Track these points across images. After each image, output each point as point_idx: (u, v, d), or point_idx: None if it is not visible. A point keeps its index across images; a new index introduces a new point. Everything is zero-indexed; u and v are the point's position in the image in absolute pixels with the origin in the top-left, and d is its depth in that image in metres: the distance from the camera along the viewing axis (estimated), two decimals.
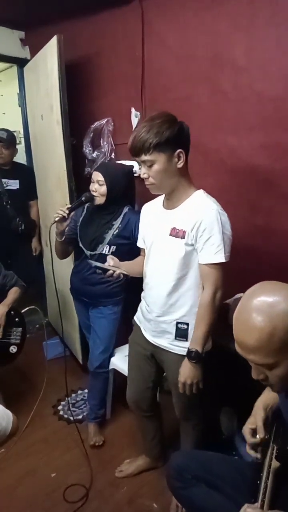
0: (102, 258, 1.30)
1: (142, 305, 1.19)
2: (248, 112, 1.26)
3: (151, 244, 1.11)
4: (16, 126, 2.41)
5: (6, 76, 2.54)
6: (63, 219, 1.31)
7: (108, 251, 1.37)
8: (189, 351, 1.01)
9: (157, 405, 1.31)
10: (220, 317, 1.05)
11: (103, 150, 1.82)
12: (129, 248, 1.33)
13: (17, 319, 1.60)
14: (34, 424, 1.59)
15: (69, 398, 1.75)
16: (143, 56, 1.57)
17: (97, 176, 1.35)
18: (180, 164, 0.98)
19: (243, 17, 1.21)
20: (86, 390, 1.79)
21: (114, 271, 1.08)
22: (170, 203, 1.07)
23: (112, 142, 1.81)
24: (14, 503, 1.28)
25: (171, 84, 1.50)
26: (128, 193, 1.48)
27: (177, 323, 1.07)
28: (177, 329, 1.07)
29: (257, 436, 0.81)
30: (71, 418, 1.64)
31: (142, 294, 1.18)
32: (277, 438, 0.82)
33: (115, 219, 1.40)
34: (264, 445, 0.82)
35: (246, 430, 0.84)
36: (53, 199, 1.94)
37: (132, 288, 1.30)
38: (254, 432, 0.83)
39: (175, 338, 1.08)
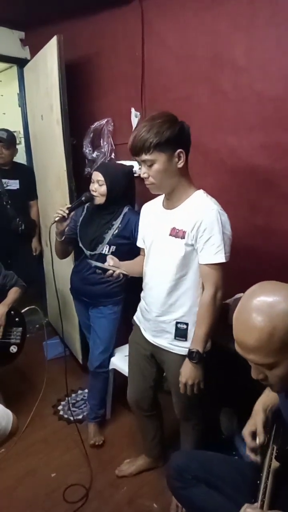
0: (102, 258, 1.30)
1: (142, 305, 1.19)
2: (248, 112, 1.26)
3: (150, 244, 1.11)
4: (16, 126, 2.41)
5: (6, 76, 2.54)
6: (63, 219, 1.31)
7: (108, 251, 1.37)
8: (190, 352, 1.01)
9: (158, 405, 1.31)
10: (220, 317, 1.05)
11: (103, 150, 1.82)
12: (129, 248, 1.33)
13: (17, 319, 1.60)
14: (34, 424, 1.59)
15: (69, 398, 1.75)
16: (143, 56, 1.57)
17: (97, 176, 1.35)
18: (180, 164, 0.98)
19: (243, 17, 1.21)
20: (86, 390, 1.79)
21: (114, 271, 1.08)
22: (170, 203, 1.07)
23: (112, 142, 1.81)
24: (14, 503, 1.28)
25: (171, 84, 1.50)
26: (128, 193, 1.48)
27: (177, 323, 1.07)
28: (177, 329, 1.07)
29: (257, 440, 0.81)
30: (71, 418, 1.64)
31: (142, 294, 1.18)
32: (277, 438, 0.82)
33: (115, 219, 1.40)
34: (264, 446, 0.82)
35: (246, 432, 0.84)
36: (53, 199, 1.94)
37: (132, 288, 1.30)
38: (254, 434, 0.83)
39: (175, 338, 1.08)
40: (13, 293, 1.59)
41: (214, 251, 0.98)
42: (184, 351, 1.07)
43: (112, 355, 1.53)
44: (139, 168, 1.36)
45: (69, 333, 1.97)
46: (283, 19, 1.12)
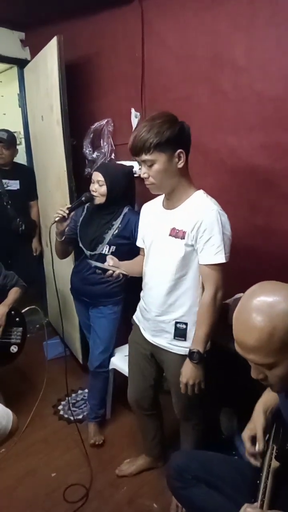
0: (102, 258, 1.30)
1: (141, 304, 1.19)
2: (248, 112, 1.26)
3: (150, 244, 1.11)
4: (16, 127, 2.41)
5: (6, 77, 2.55)
6: (63, 219, 1.31)
7: (108, 251, 1.37)
8: (191, 352, 1.01)
9: (158, 404, 1.31)
10: (220, 317, 1.05)
11: (103, 150, 1.82)
12: (129, 248, 1.33)
13: (17, 319, 1.61)
14: (34, 424, 1.59)
15: (69, 398, 1.76)
16: (143, 56, 1.57)
17: (97, 176, 1.35)
18: (180, 164, 0.98)
19: (243, 17, 1.21)
20: (86, 390, 1.79)
21: (113, 271, 1.08)
22: (170, 203, 1.07)
23: (112, 143, 1.81)
24: (14, 503, 1.28)
25: (171, 84, 1.50)
26: (128, 193, 1.48)
27: (176, 322, 1.07)
28: (176, 328, 1.07)
29: (256, 447, 0.81)
30: (71, 418, 1.64)
31: (141, 294, 1.18)
32: (276, 438, 0.82)
33: (115, 219, 1.40)
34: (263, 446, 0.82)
35: (245, 437, 0.84)
36: (53, 199, 1.94)
37: (132, 288, 1.30)
38: (253, 439, 0.83)
39: (174, 338, 1.08)
40: (13, 293, 1.59)
41: (214, 252, 0.98)
42: (183, 351, 1.07)
43: (112, 355, 1.53)
44: (139, 168, 1.36)
45: (69, 333, 1.98)
46: (283, 19, 1.12)
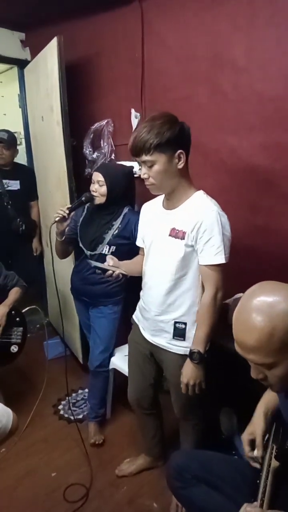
0: (102, 258, 1.30)
1: (141, 304, 1.19)
2: (248, 112, 1.26)
3: (150, 244, 1.11)
4: (16, 127, 2.41)
5: (6, 77, 2.55)
6: (63, 219, 1.31)
7: (108, 251, 1.37)
8: (191, 352, 1.02)
9: (158, 404, 1.32)
10: (220, 317, 1.05)
11: (103, 151, 1.82)
12: (129, 248, 1.33)
13: (18, 319, 1.61)
14: (34, 423, 1.60)
15: (69, 398, 1.76)
16: (143, 56, 1.57)
17: (97, 176, 1.35)
18: (180, 165, 0.98)
19: (243, 17, 1.21)
20: (86, 390, 1.79)
21: (113, 271, 1.09)
22: (170, 204, 1.07)
23: (112, 143, 1.81)
24: (14, 503, 1.28)
25: (171, 85, 1.50)
26: (128, 194, 1.48)
27: (175, 322, 1.07)
28: (175, 328, 1.07)
29: (255, 452, 0.81)
30: (72, 417, 1.64)
31: (141, 293, 1.19)
32: (276, 437, 0.82)
33: (115, 219, 1.40)
34: (263, 445, 0.82)
35: (245, 440, 0.84)
36: (54, 200, 1.94)
37: (132, 288, 1.30)
38: (252, 442, 0.83)
39: (173, 338, 1.08)
40: (14, 294, 1.59)
41: (214, 252, 0.98)
42: (182, 351, 1.08)
43: (112, 354, 1.53)
44: (139, 169, 1.37)
45: (69, 333, 1.98)
46: (283, 19, 1.12)
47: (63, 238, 1.41)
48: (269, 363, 0.63)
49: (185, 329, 1.07)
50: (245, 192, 1.33)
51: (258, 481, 0.76)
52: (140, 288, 1.19)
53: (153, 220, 1.11)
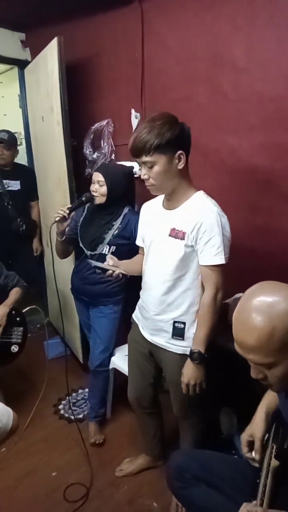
0: (102, 258, 1.30)
1: (140, 303, 1.20)
2: (248, 112, 1.26)
3: (150, 244, 1.11)
4: (17, 127, 2.41)
5: (7, 78, 2.55)
6: (63, 219, 1.31)
7: (108, 251, 1.37)
8: (192, 352, 1.02)
9: (158, 403, 1.32)
10: (220, 317, 1.05)
11: (103, 151, 1.82)
12: (129, 248, 1.34)
13: (18, 319, 1.61)
14: (34, 423, 1.60)
15: (69, 397, 1.76)
16: (143, 56, 1.57)
17: (98, 176, 1.35)
18: (180, 166, 0.98)
19: (243, 17, 1.21)
20: (86, 390, 1.79)
21: (113, 271, 1.09)
22: (170, 204, 1.07)
23: (112, 143, 1.81)
24: (14, 503, 1.28)
25: (171, 85, 1.50)
26: (128, 194, 1.48)
27: (174, 322, 1.07)
28: (174, 328, 1.07)
29: (253, 454, 0.81)
30: (72, 417, 1.64)
31: (140, 293, 1.19)
32: (276, 437, 0.82)
33: (115, 219, 1.40)
34: (263, 445, 0.82)
35: (243, 440, 0.84)
36: (54, 200, 1.95)
37: (132, 288, 1.30)
38: (251, 444, 0.83)
39: (172, 337, 1.08)
40: (14, 294, 1.59)
41: (214, 253, 0.98)
42: (181, 350, 1.08)
43: (112, 354, 1.54)
44: (139, 169, 1.37)
45: (69, 332, 1.98)
46: (283, 19, 1.12)
47: (64, 238, 1.41)
48: (269, 363, 0.63)
49: (184, 328, 1.07)
50: (245, 192, 1.33)
51: (258, 481, 0.76)
52: (140, 288, 1.19)
53: (153, 220, 1.12)
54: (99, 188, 1.36)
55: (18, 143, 2.21)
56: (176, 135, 0.94)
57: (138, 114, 1.66)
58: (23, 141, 2.45)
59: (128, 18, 1.60)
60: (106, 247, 1.39)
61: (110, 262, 1.12)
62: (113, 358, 1.53)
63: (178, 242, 1.02)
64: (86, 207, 1.46)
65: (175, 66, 1.47)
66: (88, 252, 1.43)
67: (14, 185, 2.13)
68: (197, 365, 1.02)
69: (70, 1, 1.70)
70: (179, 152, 0.97)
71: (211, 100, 1.36)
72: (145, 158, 0.96)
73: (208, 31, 1.32)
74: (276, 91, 1.18)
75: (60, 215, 1.30)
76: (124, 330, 1.42)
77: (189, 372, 1.03)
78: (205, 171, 1.39)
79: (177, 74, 1.47)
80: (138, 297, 1.22)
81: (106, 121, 1.80)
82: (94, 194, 1.37)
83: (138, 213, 1.25)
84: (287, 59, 1.14)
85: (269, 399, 0.88)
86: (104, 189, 1.35)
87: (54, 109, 1.70)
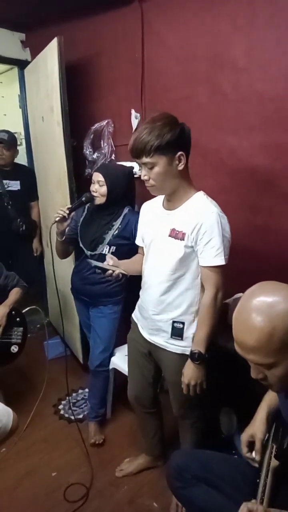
0: (102, 258, 1.30)
1: (139, 302, 1.20)
2: (248, 112, 1.26)
3: (150, 243, 1.11)
4: (17, 128, 2.41)
5: (6, 78, 2.55)
6: (63, 219, 1.31)
7: (108, 251, 1.38)
8: (192, 353, 1.02)
9: (158, 402, 1.32)
10: (220, 317, 1.05)
11: (103, 151, 1.82)
12: (129, 249, 1.34)
13: (18, 319, 1.61)
14: (34, 423, 1.60)
15: (69, 398, 1.76)
16: (143, 56, 1.58)
17: (98, 176, 1.36)
18: (180, 167, 0.98)
19: (243, 17, 1.21)
20: (86, 390, 1.79)
21: (113, 271, 1.09)
22: (170, 204, 1.07)
23: (112, 144, 1.81)
24: (14, 503, 1.28)
25: (171, 85, 1.50)
26: (128, 194, 1.48)
27: (173, 322, 1.08)
28: (173, 328, 1.07)
29: (254, 454, 0.81)
30: (72, 417, 1.64)
31: (140, 292, 1.19)
32: (276, 437, 0.82)
33: (115, 219, 1.40)
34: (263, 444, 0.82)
35: (243, 440, 0.84)
36: (54, 200, 1.95)
37: (132, 288, 1.31)
38: (251, 444, 0.83)
39: (171, 337, 1.09)
40: (14, 294, 1.59)
41: (214, 254, 0.99)
42: (180, 350, 1.08)
43: (112, 354, 1.54)
44: (139, 169, 1.37)
45: (69, 332, 1.98)
46: (283, 19, 1.13)
47: (64, 238, 1.41)
48: (269, 363, 0.63)
49: (183, 328, 1.07)
50: (245, 192, 1.33)
51: (258, 481, 0.76)
52: (140, 288, 1.19)
53: (153, 220, 1.12)
54: (99, 188, 1.36)
55: (18, 143, 2.21)
56: (176, 136, 0.94)
57: (138, 114, 1.66)
58: (23, 141, 2.45)
59: (128, 18, 1.60)
60: (106, 247, 1.39)
61: (110, 261, 1.12)
62: (113, 358, 1.53)
63: (178, 242, 1.02)
64: (86, 207, 1.46)
65: (175, 66, 1.47)
66: (88, 252, 1.43)
67: (14, 185, 2.13)
68: (198, 365, 1.02)
69: (70, 1, 1.70)
70: (179, 153, 0.97)
71: (211, 100, 1.36)
72: (145, 159, 0.96)
73: (208, 31, 1.32)
74: (276, 91, 1.18)
75: (60, 215, 1.30)
76: (124, 330, 1.42)
77: (190, 373, 1.03)
78: (205, 171, 1.39)
79: (177, 74, 1.47)
80: (138, 297, 1.22)
81: (106, 121, 1.80)
82: (94, 194, 1.37)
83: (138, 213, 1.25)
84: (287, 59, 1.14)
85: (269, 400, 0.88)
86: (104, 189, 1.35)
87: (54, 109, 1.70)
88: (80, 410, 1.72)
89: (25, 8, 1.84)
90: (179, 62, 1.45)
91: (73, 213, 1.35)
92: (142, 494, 1.31)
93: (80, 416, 1.68)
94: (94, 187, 1.37)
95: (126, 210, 1.42)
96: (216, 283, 1.01)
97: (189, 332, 1.07)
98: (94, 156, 1.85)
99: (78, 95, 1.84)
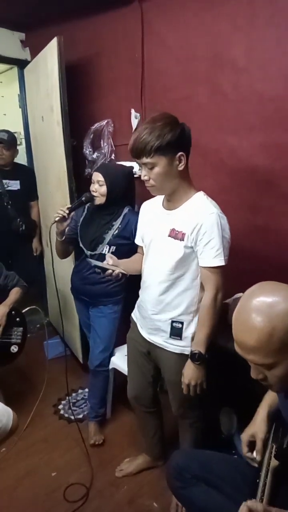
0: (102, 258, 1.29)
1: (139, 302, 1.20)
2: (248, 112, 1.26)
3: (149, 243, 1.11)
4: (16, 127, 2.41)
5: (6, 78, 2.55)
6: (63, 219, 1.31)
7: (108, 251, 1.38)
8: (192, 353, 1.02)
9: (158, 402, 1.32)
10: (220, 317, 1.05)
11: (103, 151, 1.82)
12: (129, 249, 1.34)
13: (18, 319, 1.61)
14: (34, 423, 1.60)
15: (69, 397, 1.76)
16: (143, 56, 1.57)
17: (97, 176, 1.36)
18: (181, 167, 0.98)
19: (243, 17, 1.21)
20: (86, 390, 1.79)
21: (113, 270, 1.09)
22: (170, 204, 1.07)
23: (112, 143, 1.81)
24: (14, 503, 1.28)
25: (171, 85, 1.50)
26: (128, 194, 1.48)
27: (172, 322, 1.08)
28: (172, 327, 1.08)
29: (255, 454, 0.81)
30: (72, 417, 1.64)
31: (139, 292, 1.19)
32: (276, 437, 0.82)
33: (115, 219, 1.40)
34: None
35: (244, 440, 0.84)
36: (54, 200, 1.95)
37: (132, 287, 1.31)
38: (251, 444, 0.83)
39: (170, 337, 1.09)
40: (14, 294, 1.59)
41: (214, 255, 0.99)
42: (179, 350, 1.08)
43: (112, 354, 1.54)
44: (139, 169, 1.37)
45: (69, 332, 1.98)
46: (283, 19, 1.13)
47: (63, 238, 1.41)
48: (269, 363, 0.63)
49: (181, 328, 1.07)
50: (245, 192, 1.33)
51: (257, 481, 0.76)
52: (139, 288, 1.19)
53: (153, 220, 1.12)
54: (99, 188, 1.36)
55: (18, 143, 2.21)
56: (176, 137, 0.94)
57: (138, 114, 1.66)
58: (23, 141, 2.45)
59: (128, 18, 1.60)
60: (106, 247, 1.39)
61: (110, 261, 1.12)
62: (113, 358, 1.53)
63: (178, 242, 1.02)
64: (86, 207, 1.46)
65: (175, 66, 1.47)
66: (88, 252, 1.43)
67: (14, 185, 2.13)
68: (198, 365, 1.02)
69: (70, 1, 1.69)
70: (180, 153, 0.97)
71: (211, 100, 1.36)
72: (145, 160, 0.96)
73: (208, 31, 1.32)
74: (276, 91, 1.18)
75: (60, 215, 1.30)
76: (124, 330, 1.42)
77: (190, 373, 1.03)
78: (205, 171, 1.39)
79: (177, 74, 1.47)
80: (138, 297, 1.22)
81: (106, 121, 1.80)
82: (94, 194, 1.37)
83: (138, 213, 1.25)
84: (287, 59, 1.14)
85: (269, 400, 0.88)
86: (104, 189, 1.35)
87: (54, 109, 1.70)
88: (80, 410, 1.72)
89: (25, 8, 1.84)
90: (179, 62, 1.45)
91: (73, 213, 1.35)
92: (142, 494, 1.31)
93: (80, 416, 1.68)
94: (94, 187, 1.37)
95: (126, 210, 1.42)
96: (216, 284, 1.01)
97: (188, 332, 1.07)
98: (94, 156, 1.85)
99: (78, 95, 1.83)
